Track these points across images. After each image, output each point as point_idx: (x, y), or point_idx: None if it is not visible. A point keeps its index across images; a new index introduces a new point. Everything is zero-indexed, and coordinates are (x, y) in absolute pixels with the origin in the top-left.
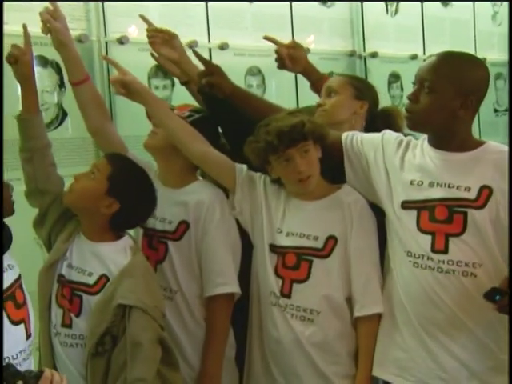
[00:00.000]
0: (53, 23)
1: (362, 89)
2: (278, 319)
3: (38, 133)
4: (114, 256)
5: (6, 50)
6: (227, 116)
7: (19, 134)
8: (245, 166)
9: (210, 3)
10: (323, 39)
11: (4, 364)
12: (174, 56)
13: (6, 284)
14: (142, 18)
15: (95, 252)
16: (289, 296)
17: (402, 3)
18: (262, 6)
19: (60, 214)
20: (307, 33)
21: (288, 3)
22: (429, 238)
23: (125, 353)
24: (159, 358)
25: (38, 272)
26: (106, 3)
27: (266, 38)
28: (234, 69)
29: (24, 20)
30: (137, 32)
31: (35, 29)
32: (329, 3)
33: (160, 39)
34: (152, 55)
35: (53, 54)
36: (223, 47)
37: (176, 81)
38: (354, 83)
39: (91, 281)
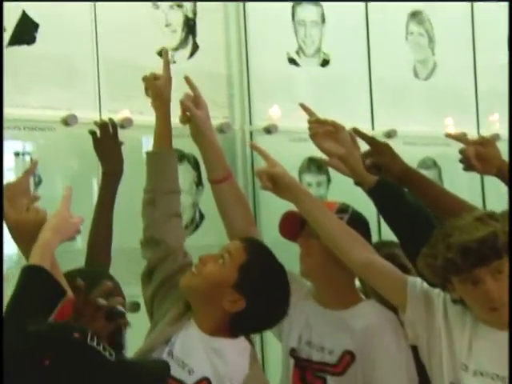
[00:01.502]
0: (194, 111)
1: None
2: None
3: (167, 173)
4: (235, 357)
5: None
6: (405, 220)
7: (146, 173)
8: (419, 280)
9: (374, 82)
10: None
11: None
12: (340, 152)
13: None
14: (303, 107)
15: (213, 348)
16: None
17: None
18: (436, 83)
19: (169, 275)
20: (496, 113)
21: (471, 76)
22: None
23: None
24: None
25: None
26: (252, 86)
27: (449, 136)
28: (404, 161)
29: None
30: (279, 113)
31: (172, 120)
32: None
33: (323, 131)
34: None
35: (190, 148)
36: (390, 135)
37: (333, 177)
38: None
39: (190, 381)
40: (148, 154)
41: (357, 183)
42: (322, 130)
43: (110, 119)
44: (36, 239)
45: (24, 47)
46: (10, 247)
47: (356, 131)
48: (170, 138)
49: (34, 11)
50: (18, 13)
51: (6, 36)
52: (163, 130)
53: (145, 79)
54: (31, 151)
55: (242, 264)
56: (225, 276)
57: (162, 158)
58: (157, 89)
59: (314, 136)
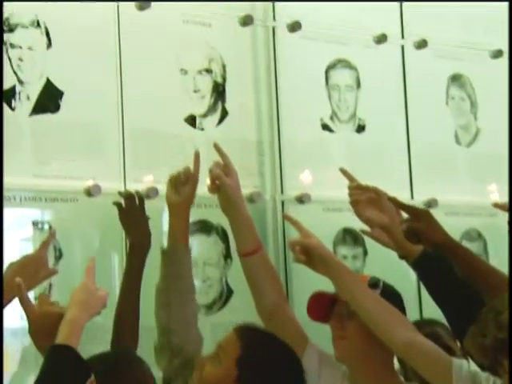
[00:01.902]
0: (224, 179)
1: None
2: None
3: (183, 272)
4: None
5: None
6: (452, 295)
7: (160, 270)
8: (465, 362)
9: (413, 149)
10: None
11: None
12: (383, 221)
13: None
14: (343, 171)
15: None
16: None
17: None
18: (479, 149)
19: None
20: None
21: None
22: None
23: None
24: None
25: None
26: (283, 154)
27: (496, 206)
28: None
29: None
30: (310, 178)
31: (200, 188)
32: None
33: (365, 198)
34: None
35: (218, 218)
36: (431, 204)
37: (369, 249)
38: None
39: None
40: (163, 251)
41: (401, 256)
42: (363, 196)
43: (137, 192)
44: (55, 337)
45: (47, 115)
46: (26, 322)
47: (393, 200)
48: (187, 234)
49: (59, 78)
50: (42, 80)
51: (30, 104)
52: (181, 226)
53: (185, 170)
54: (51, 221)
55: (238, 357)
56: (224, 375)
57: (178, 255)
58: (184, 190)
59: (354, 203)
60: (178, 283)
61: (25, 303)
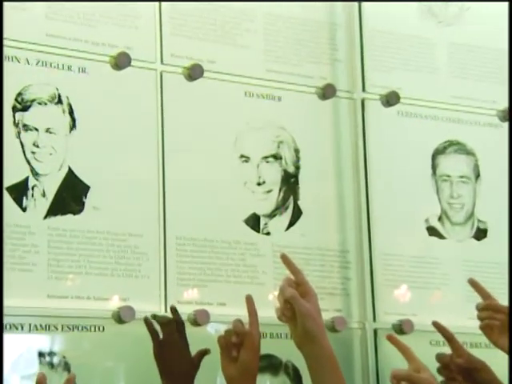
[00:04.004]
0: (299, 302)
1: None
2: None
3: None
4: None
5: None
6: None
7: None
8: None
9: None
10: None
11: None
12: None
13: None
14: (473, 284)
15: None
16: None
17: None
18: None
19: None
20: None
21: None
22: None
23: None
24: None
25: None
26: (375, 269)
27: None
28: None
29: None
30: (408, 295)
31: (265, 313)
32: None
33: (500, 323)
34: None
35: (289, 353)
36: None
37: None
38: None
39: None
40: None
41: None
42: (497, 321)
43: (179, 321)
44: None
45: (67, 216)
46: None
47: None
48: None
49: (84, 169)
50: (63, 171)
51: (46, 203)
52: None
53: (237, 326)
54: (68, 357)
55: None
56: None
57: None
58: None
59: (485, 327)
60: None
61: None
